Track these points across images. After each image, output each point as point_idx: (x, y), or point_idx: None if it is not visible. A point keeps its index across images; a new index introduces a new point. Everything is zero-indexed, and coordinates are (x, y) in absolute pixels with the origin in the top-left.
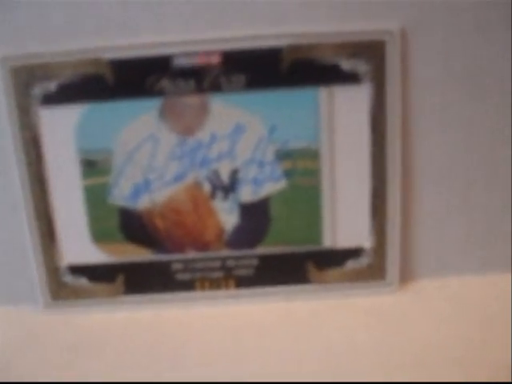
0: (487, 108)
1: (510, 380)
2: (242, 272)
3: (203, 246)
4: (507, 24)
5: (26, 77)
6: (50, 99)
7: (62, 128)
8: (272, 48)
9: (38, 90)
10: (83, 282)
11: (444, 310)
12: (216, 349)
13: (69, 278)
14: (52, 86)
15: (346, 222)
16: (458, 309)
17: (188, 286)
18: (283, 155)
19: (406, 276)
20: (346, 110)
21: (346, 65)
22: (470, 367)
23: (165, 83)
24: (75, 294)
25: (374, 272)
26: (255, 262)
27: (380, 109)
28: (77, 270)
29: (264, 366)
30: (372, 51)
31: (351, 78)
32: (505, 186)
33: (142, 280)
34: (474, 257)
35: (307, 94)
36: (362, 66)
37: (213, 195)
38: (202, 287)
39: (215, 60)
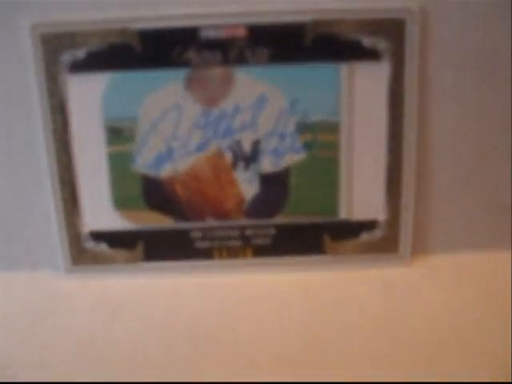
0: (500, 87)
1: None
2: (260, 241)
3: (223, 215)
4: None
5: (54, 44)
6: (78, 67)
7: (89, 95)
8: (295, 23)
9: (66, 58)
10: (104, 248)
11: (454, 285)
12: (232, 317)
13: (90, 244)
14: (80, 53)
15: (361, 195)
16: (468, 283)
17: (206, 254)
18: (304, 128)
19: (419, 250)
20: (365, 85)
21: (366, 42)
22: (476, 340)
23: (191, 54)
24: (96, 260)
25: (387, 245)
26: (273, 231)
27: (398, 85)
28: (98, 236)
29: (279, 333)
30: (392, 29)
31: (371, 55)
32: None
33: (161, 247)
34: (485, 233)
35: (328, 69)
36: (382, 43)
37: (234, 165)
38: (220, 256)
39: (240, 33)
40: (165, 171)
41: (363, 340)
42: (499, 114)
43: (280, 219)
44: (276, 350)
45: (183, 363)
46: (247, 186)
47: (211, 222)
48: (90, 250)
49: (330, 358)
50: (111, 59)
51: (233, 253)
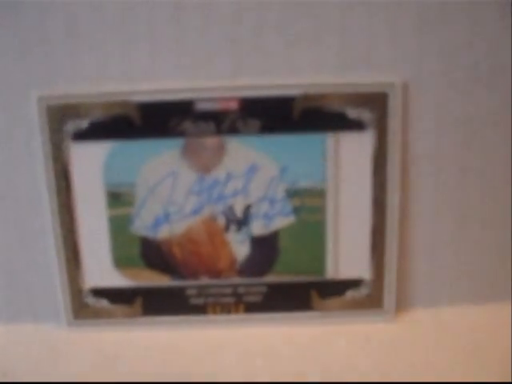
0: (480, 155)
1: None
2: (252, 298)
3: (216, 274)
4: (503, 76)
5: (59, 115)
6: (81, 136)
7: (91, 162)
8: (285, 96)
9: (70, 127)
10: (104, 303)
11: (437, 338)
12: (225, 368)
13: (91, 300)
14: (83, 124)
15: (347, 256)
16: (450, 337)
17: (201, 309)
18: (293, 193)
19: (402, 305)
20: (350, 154)
21: (351, 113)
22: None
23: (187, 125)
24: (96, 315)
25: (373, 301)
26: (264, 289)
27: (382, 154)
28: (98, 292)
29: None
30: (376, 102)
31: (356, 126)
32: (498, 224)
33: (158, 303)
34: (465, 288)
35: (316, 139)
36: (366, 115)
37: (227, 228)
38: (214, 311)
39: (233, 106)
40: (162, 233)
41: None
42: (478, 177)
43: (270, 278)
44: None
45: None
46: (239, 247)
47: (205, 280)
48: (90, 305)
49: None
50: (112, 129)
51: (226, 309)
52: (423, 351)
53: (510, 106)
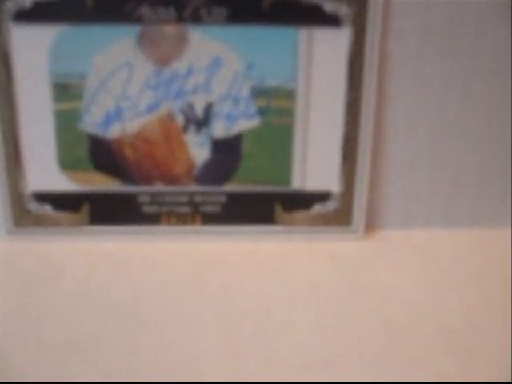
0: (461, 63)
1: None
2: (209, 208)
3: (172, 180)
4: None
5: None
6: (24, 16)
7: (35, 48)
8: None
9: (10, 5)
10: (47, 209)
11: (405, 261)
12: (178, 285)
13: (33, 205)
14: (27, 2)
15: (316, 166)
16: (419, 259)
17: (154, 219)
18: (259, 92)
19: (372, 224)
20: (324, 52)
21: (328, 6)
22: (426, 316)
23: (144, 10)
24: (39, 222)
25: (341, 217)
26: (223, 199)
27: (358, 53)
28: (41, 197)
29: (225, 303)
30: None
31: (332, 21)
32: (474, 143)
33: (107, 211)
34: (438, 211)
35: (287, 33)
36: (343, 9)
37: (185, 128)
38: (168, 221)
39: None
40: (113, 132)
41: (311, 312)
42: (461, 87)
43: (231, 187)
44: (221, 320)
45: (124, 328)
46: (198, 151)
47: (160, 187)
48: (33, 211)
49: (276, 329)
50: (60, 11)
51: (181, 219)
52: (390, 273)
53: (501, 10)
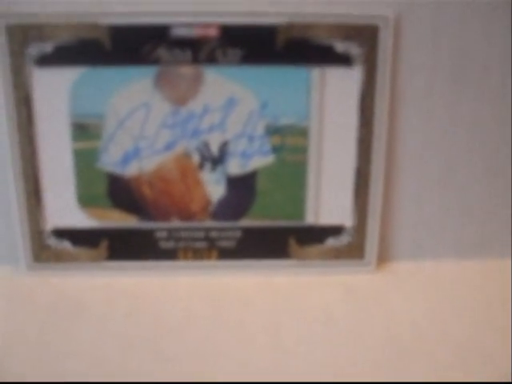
0: (470, 95)
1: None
2: (225, 244)
3: (188, 216)
4: (493, 14)
5: (21, 36)
6: (45, 60)
7: (56, 90)
8: (268, 25)
9: (33, 50)
10: (67, 245)
11: (416, 291)
12: (195, 318)
13: (52, 241)
14: (48, 47)
15: (329, 200)
16: (430, 290)
17: (171, 254)
18: (273, 131)
19: (384, 257)
20: (336, 90)
21: (339, 47)
22: (439, 345)
23: (161, 52)
24: (58, 258)
25: (353, 251)
26: (238, 234)
27: (369, 91)
28: (61, 233)
29: (241, 336)
30: (366, 35)
31: (344, 60)
32: (481, 175)
33: (125, 246)
34: (447, 242)
35: (300, 73)
36: (354, 49)
37: (201, 166)
38: (185, 257)
39: (212, 33)
40: (131, 170)
41: (325, 343)
42: (469, 121)
43: (246, 222)
44: (239, 353)
45: (144, 363)
46: (214, 188)
47: (176, 223)
48: (52, 247)
49: (292, 361)
50: (80, 54)
51: (198, 254)
52: (403, 304)
53: (506, 46)
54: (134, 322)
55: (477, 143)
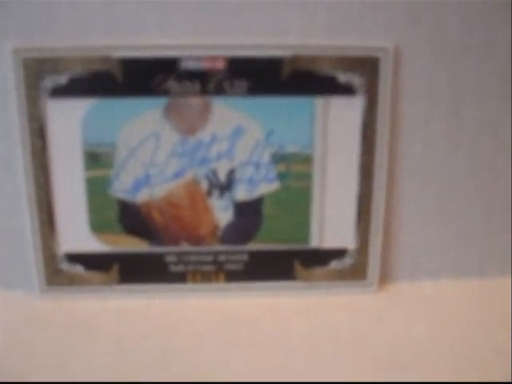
0: (468, 124)
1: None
2: (233, 266)
3: (197, 241)
4: (491, 46)
5: (36, 69)
6: (59, 92)
7: (69, 120)
8: (274, 57)
9: (47, 83)
10: (79, 269)
11: (416, 310)
12: (205, 339)
13: (65, 265)
14: (62, 79)
15: (332, 224)
16: (431, 310)
17: (180, 277)
18: (278, 158)
19: (385, 277)
20: (339, 119)
21: (342, 77)
22: (439, 365)
23: (171, 84)
24: (71, 281)
25: (356, 272)
26: (246, 257)
27: (371, 120)
28: (73, 257)
29: (250, 356)
30: (367, 66)
31: (346, 90)
32: (479, 199)
33: (136, 270)
34: (447, 263)
35: (305, 103)
36: (356, 80)
37: (209, 193)
38: (194, 279)
39: (220, 65)
40: (142, 196)
41: (330, 362)
42: (467, 147)
43: (253, 246)
44: (247, 373)
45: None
46: (221, 213)
47: (186, 247)
48: (65, 271)
49: (298, 379)
50: (92, 86)
51: (206, 277)
52: (404, 323)
53: (505, 76)
54: (145, 343)
55: (474, 167)
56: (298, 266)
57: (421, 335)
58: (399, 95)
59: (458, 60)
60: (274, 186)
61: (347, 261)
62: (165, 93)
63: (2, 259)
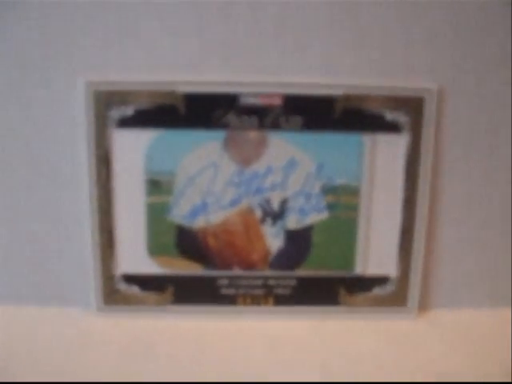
0: (504, 162)
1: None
2: (281, 291)
3: (249, 266)
4: None
5: (105, 101)
6: (126, 123)
7: (133, 149)
8: (327, 96)
9: (115, 114)
10: (135, 290)
11: (455, 337)
12: (254, 359)
13: (122, 286)
14: (128, 111)
15: (376, 254)
16: (468, 336)
17: (231, 300)
18: (328, 190)
19: (424, 305)
20: (385, 154)
21: (389, 116)
22: None
23: (230, 118)
24: (127, 301)
25: (397, 299)
26: (294, 282)
27: (415, 156)
28: (130, 278)
29: (297, 375)
30: (412, 105)
31: (393, 128)
32: None
33: (189, 292)
34: (484, 292)
35: (354, 139)
36: (402, 118)
37: (263, 220)
38: (244, 302)
39: (277, 101)
40: (198, 223)
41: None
42: (500, 187)
43: (301, 271)
44: None
45: None
46: (273, 240)
47: (237, 271)
48: (122, 291)
49: None
50: (157, 117)
51: (256, 300)
52: (442, 349)
53: None
54: (197, 362)
55: (508, 204)
56: (342, 292)
57: (458, 361)
58: (441, 134)
59: (497, 101)
60: (323, 215)
61: (389, 288)
62: (224, 126)
63: (63, 278)
